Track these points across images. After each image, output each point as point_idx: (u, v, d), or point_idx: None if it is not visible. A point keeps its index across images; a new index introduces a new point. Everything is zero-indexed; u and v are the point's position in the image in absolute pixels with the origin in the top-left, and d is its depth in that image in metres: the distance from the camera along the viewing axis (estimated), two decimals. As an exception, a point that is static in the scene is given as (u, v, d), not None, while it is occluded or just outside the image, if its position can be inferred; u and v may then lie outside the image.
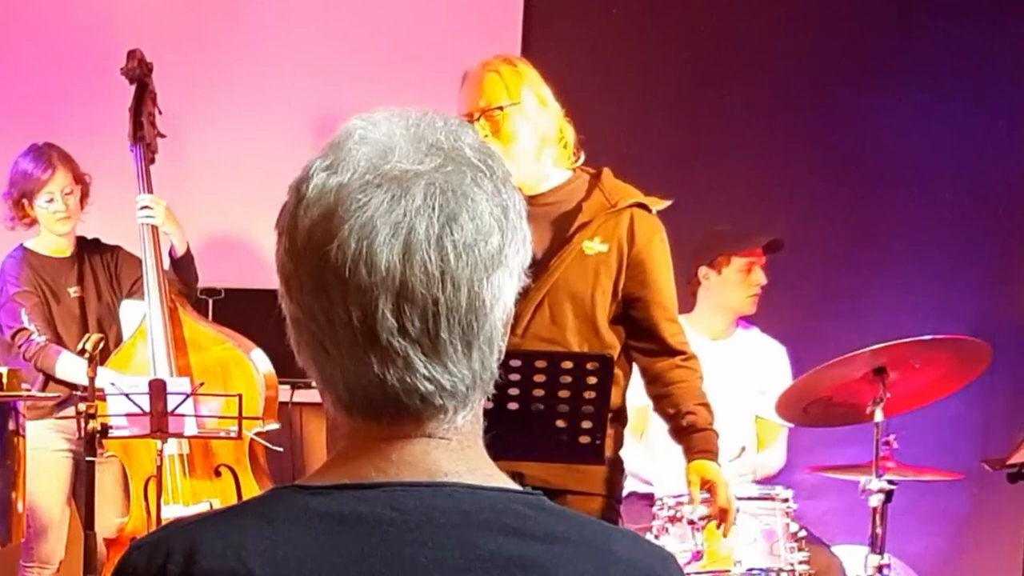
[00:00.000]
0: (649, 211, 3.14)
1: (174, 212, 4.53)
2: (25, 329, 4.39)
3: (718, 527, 3.16)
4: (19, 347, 4.40)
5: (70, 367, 4.34)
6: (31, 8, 5.31)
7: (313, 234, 1.07)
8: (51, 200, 4.48)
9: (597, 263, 3.08)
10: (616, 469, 3.18)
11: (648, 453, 4.34)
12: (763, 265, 4.47)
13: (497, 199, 1.09)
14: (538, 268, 3.05)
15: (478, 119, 3.06)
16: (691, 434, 3.13)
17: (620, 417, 3.18)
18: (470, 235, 1.06)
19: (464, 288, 1.06)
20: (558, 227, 3.10)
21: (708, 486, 3.09)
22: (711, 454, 3.12)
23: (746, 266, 4.43)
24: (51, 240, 4.58)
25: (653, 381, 3.18)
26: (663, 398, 3.17)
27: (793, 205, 5.23)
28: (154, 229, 4.45)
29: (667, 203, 3.18)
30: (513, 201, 1.11)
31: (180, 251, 4.53)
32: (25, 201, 4.50)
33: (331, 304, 1.06)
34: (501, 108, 3.07)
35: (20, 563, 4.51)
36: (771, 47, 5.32)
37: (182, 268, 4.56)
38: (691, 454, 3.13)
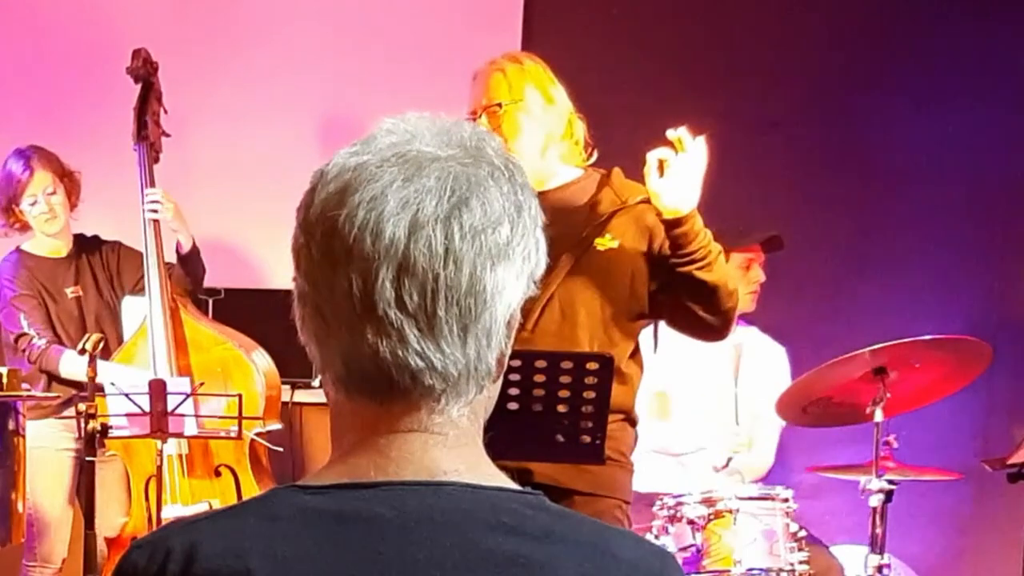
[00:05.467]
0: None
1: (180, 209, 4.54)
2: (26, 334, 4.41)
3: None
4: (23, 351, 4.42)
5: (73, 365, 4.34)
6: (36, 8, 5.32)
7: (326, 205, 1.08)
8: (34, 202, 4.49)
9: (608, 260, 3.08)
10: (625, 470, 3.18)
11: (674, 430, 4.36)
12: (762, 263, 4.45)
13: (512, 198, 1.10)
14: (547, 265, 3.04)
15: (480, 116, 3.09)
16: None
17: (630, 418, 3.18)
18: (478, 220, 1.07)
19: (466, 269, 1.07)
20: (568, 224, 3.09)
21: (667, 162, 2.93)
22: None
23: (744, 263, 4.42)
24: (47, 241, 4.59)
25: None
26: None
27: (792, 205, 5.23)
28: (157, 225, 4.45)
29: None
30: (529, 205, 1.11)
31: (187, 247, 4.53)
32: (13, 206, 4.51)
33: (334, 272, 1.07)
34: (500, 105, 3.09)
35: (23, 562, 4.51)
36: (771, 46, 5.32)
37: (189, 262, 4.56)
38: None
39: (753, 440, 4.55)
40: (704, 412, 4.42)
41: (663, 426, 4.28)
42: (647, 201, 3.12)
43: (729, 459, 4.40)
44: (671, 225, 2.98)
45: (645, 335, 3.34)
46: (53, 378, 4.45)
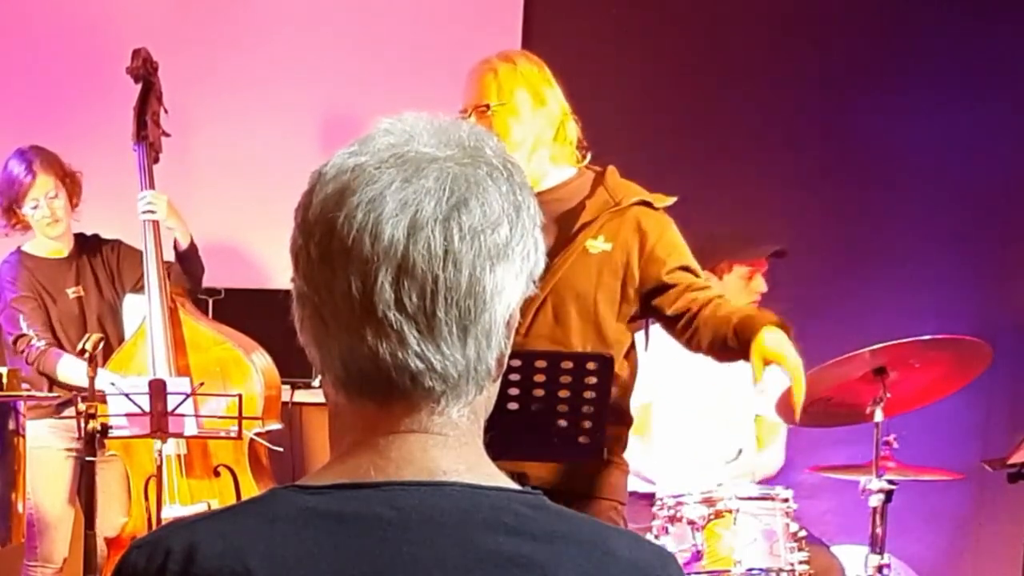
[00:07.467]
0: (654, 208, 3.13)
1: (176, 208, 4.53)
2: (25, 335, 4.40)
3: (792, 399, 2.98)
4: (21, 352, 4.42)
5: (71, 370, 4.34)
6: (36, 7, 5.32)
7: (325, 206, 1.08)
8: (36, 207, 4.48)
9: (600, 262, 3.07)
10: (620, 472, 3.18)
11: (650, 452, 4.34)
12: (764, 273, 4.44)
13: (511, 198, 1.10)
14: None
15: (469, 115, 3.08)
16: (748, 318, 2.98)
17: (624, 419, 3.17)
18: (477, 221, 1.07)
19: (465, 271, 1.06)
20: (560, 226, 3.09)
21: (774, 360, 2.93)
22: (770, 321, 2.97)
23: (748, 274, 4.40)
24: (47, 242, 4.58)
25: (701, 332, 3.06)
26: (715, 331, 3.03)
27: (793, 205, 5.23)
28: (156, 225, 4.45)
29: (671, 200, 3.17)
30: (527, 205, 1.11)
31: (184, 244, 4.53)
32: (15, 207, 4.50)
33: (333, 274, 1.07)
34: (487, 107, 3.08)
35: (24, 562, 4.51)
36: (771, 47, 5.32)
37: (187, 260, 4.56)
38: (752, 332, 2.96)
39: (763, 440, 4.55)
40: (688, 431, 4.39)
41: (638, 445, 4.13)
42: (641, 203, 3.11)
43: (740, 451, 4.39)
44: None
45: (637, 334, 3.33)
46: (51, 379, 4.44)
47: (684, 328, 3.09)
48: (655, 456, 4.34)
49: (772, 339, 2.92)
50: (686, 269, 3.12)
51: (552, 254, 3.03)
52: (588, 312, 3.07)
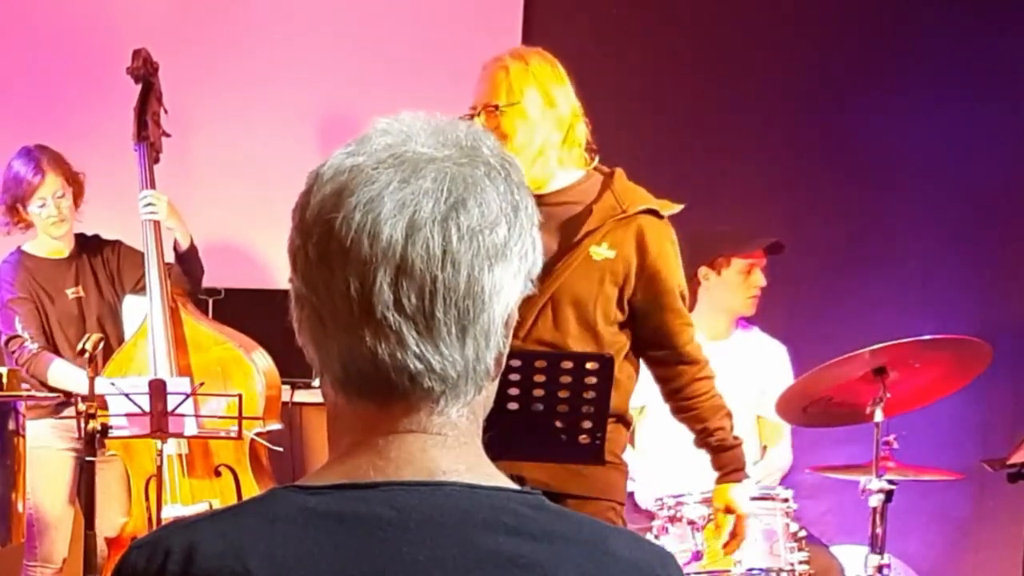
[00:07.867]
0: (659, 216, 3.12)
1: (176, 208, 4.54)
2: (18, 336, 4.40)
3: (725, 548, 3.31)
4: (12, 353, 4.41)
5: (62, 374, 4.34)
6: (36, 8, 5.32)
7: (323, 207, 1.08)
8: (43, 205, 4.48)
9: (603, 269, 3.05)
10: (619, 472, 3.17)
11: (637, 453, 4.33)
12: (763, 267, 4.45)
13: (509, 197, 1.10)
14: (543, 271, 2.99)
15: (479, 114, 3.06)
16: (721, 453, 3.19)
17: (623, 420, 3.17)
18: (476, 221, 1.07)
19: (464, 271, 1.07)
20: (565, 230, 3.06)
21: (735, 513, 3.21)
22: (740, 473, 3.21)
23: (746, 268, 4.41)
24: (48, 242, 4.58)
25: (673, 394, 3.21)
26: (686, 411, 3.21)
27: (793, 204, 5.23)
28: (157, 225, 4.45)
29: (678, 207, 3.14)
30: (525, 204, 1.11)
31: (184, 245, 4.53)
32: (19, 206, 4.50)
33: (332, 274, 1.07)
34: (497, 107, 3.07)
35: (23, 562, 4.51)
36: (771, 47, 5.32)
37: (187, 261, 4.55)
38: (721, 475, 3.21)
39: (769, 441, 4.55)
40: (685, 433, 4.39)
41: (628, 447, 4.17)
42: (647, 211, 3.09)
43: (764, 448, 4.40)
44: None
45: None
46: (42, 383, 4.43)
47: (665, 385, 3.23)
48: (651, 458, 4.34)
49: (739, 496, 3.21)
50: (680, 295, 3.14)
51: (555, 258, 3.02)
52: (587, 318, 3.05)
